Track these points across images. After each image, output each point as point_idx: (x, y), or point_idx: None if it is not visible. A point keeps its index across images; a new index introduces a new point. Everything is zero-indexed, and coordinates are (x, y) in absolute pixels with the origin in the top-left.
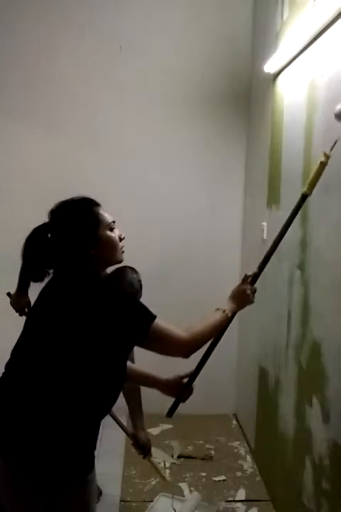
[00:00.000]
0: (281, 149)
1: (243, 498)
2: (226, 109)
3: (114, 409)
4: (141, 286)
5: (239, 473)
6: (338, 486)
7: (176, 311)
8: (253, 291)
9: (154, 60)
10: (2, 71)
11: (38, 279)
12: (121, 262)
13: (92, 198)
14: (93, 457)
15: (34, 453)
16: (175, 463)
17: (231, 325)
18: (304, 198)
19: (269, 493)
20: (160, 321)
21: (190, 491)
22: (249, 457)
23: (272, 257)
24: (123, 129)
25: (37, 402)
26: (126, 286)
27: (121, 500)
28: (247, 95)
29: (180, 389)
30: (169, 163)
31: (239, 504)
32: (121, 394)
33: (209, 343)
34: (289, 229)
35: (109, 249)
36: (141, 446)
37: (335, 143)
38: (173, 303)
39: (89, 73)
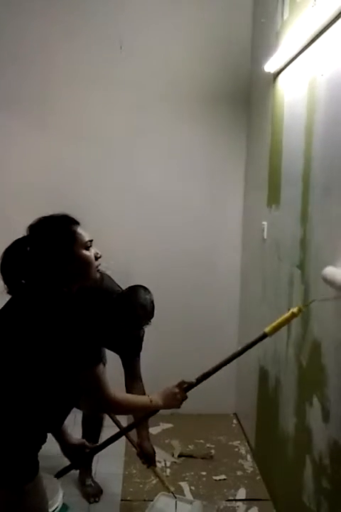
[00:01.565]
0: (281, 149)
1: (243, 497)
2: (227, 108)
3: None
4: (153, 307)
5: (239, 473)
6: (338, 485)
7: (175, 307)
8: (183, 398)
9: (154, 59)
10: (2, 70)
11: (13, 290)
12: (95, 279)
13: (72, 215)
14: (33, 468)
15: None
16: (175, 462)
17: (231, 323)
18: (264, 336)
19: (269, 492)
20: (103, 370)
21: (190, 490)
22: (249, 456)
23: (272, 257)
24: (123, 128)
25: None
26: (138, 309)
27: (121, 500)
28: (247, 95)
29: (79, 456)
30: (168, 163)
31: (239, 503)
32: None
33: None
34: (290, 228)
35: (84, 268)
36: (146, 456)
37: (311, 302)
38: (172, 300)
39: (89, 72)
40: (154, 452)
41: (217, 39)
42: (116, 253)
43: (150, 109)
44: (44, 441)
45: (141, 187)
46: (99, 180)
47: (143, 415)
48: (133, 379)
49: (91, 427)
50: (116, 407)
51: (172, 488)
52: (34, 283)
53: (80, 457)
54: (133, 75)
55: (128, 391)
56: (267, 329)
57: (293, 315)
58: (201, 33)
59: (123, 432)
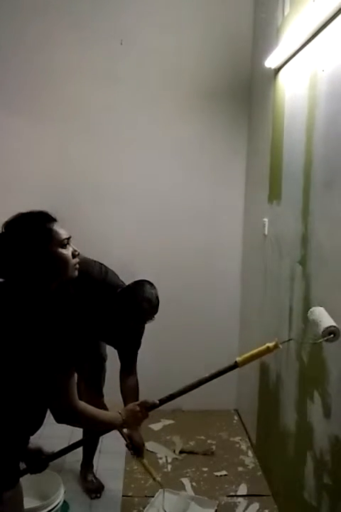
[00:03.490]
0: (282, 144)
1: (244, 492)
2: (228, 104)
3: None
4: (158, 302)
5: (240, 468)
6: (339, 481)
7: (176, 302)
8: (144, 418)
9: (155, 54)
10: (2, 65)
11: None
12: (73, 278)
13: (49, 212)
14: (14, 474)
15: None
16: (176, 458)
17: (232, 319)
18: (235, 366)
19: (270, 488)
20: (73, 379)
21: (192, 486)
22: (250, 452)
23: (274, 253)
24: (123, 124)
25: None
26: (144, 303)
27: (122, 496)
28: (248, 90)
29: (34, 461)
30: (169, 159)
31: (240, 499)
32: (120, 393)
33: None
34: (291, 224)
35: (60, 266)
36: (135, 447)
37: (289, 340)
38: (173, 295)
39: (90, 67)
40: (143, 443)
41: (218, 35)
42: (118, 249)
43: (151, 105)
44: (25, 445)
45: (141, 183)
46: (99, 175)
47: (102, 430)
48: (129, 372)
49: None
50: (79, 417)
51: (159, 479)
52: (11, 281)
53: (35, 463)
54: (134, 71)
55: (122, 383)
56: (239, 359)
57: (268, 349)
58: (201, 28)
59: (81, 442)
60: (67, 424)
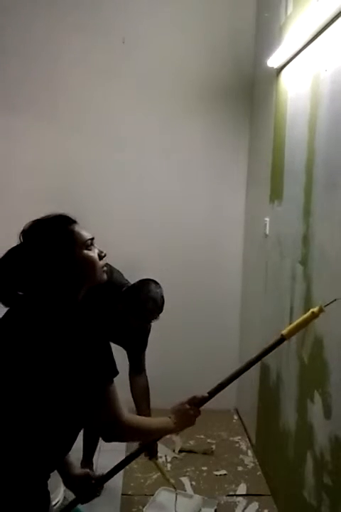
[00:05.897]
0: (284, 144)
1: (244, 492)
2: (230, 103)
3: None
4: (163, 301)
5: (240, 468)
6: (339, 480)
7: (177, 302)
8: (196, 415)
9: (157, 53)
10: (4, 64)
11: (8, 303)
12: (102, 282)
13: (68, 214)
14: (43, 501)
15: None
16: (176, 457)
17: (233, 319)
18: (282, 340)
19: (270, 488)
20: (115, 389)
21: (191, 485)
22: (250, 452)
23: (275, 253)
24: (125, 123)
25: None
26: (148, 302)
27: (122, 494)
28: (250, 90)
29: (84, 487)
30: (171, 158)
31: (239, 498)
32: (131, 395)
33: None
34: (292, 224)
35: (87, 270)
36: (148, 447)
37: (334, 301)
38: (174, 295)
39: (92, 66)
40: (156, 444)
41: (220, 33)
42: (119, 248)
43: (152, 104)
44: (53, 468)
45: (142, 182)
46: (99, 174)
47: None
48: (137, 372)
49: (92, 434)
50: (128, 430)
51: (172, 481)
52: (34, 294)
53: (85, 491)
54: (136, 70)
55: (131, 384)
56: (284, 332)
57: (313, 315)
58: (204, 27)
59: (130, 457)
60: (118, 440)
